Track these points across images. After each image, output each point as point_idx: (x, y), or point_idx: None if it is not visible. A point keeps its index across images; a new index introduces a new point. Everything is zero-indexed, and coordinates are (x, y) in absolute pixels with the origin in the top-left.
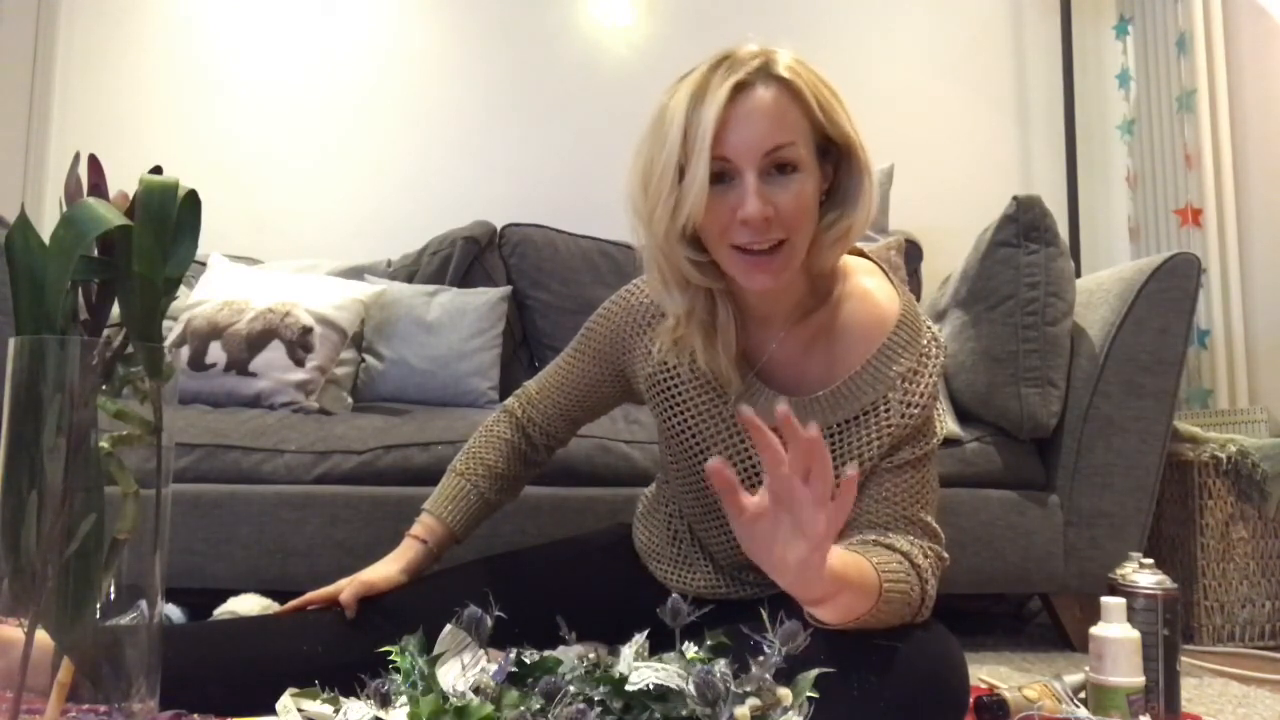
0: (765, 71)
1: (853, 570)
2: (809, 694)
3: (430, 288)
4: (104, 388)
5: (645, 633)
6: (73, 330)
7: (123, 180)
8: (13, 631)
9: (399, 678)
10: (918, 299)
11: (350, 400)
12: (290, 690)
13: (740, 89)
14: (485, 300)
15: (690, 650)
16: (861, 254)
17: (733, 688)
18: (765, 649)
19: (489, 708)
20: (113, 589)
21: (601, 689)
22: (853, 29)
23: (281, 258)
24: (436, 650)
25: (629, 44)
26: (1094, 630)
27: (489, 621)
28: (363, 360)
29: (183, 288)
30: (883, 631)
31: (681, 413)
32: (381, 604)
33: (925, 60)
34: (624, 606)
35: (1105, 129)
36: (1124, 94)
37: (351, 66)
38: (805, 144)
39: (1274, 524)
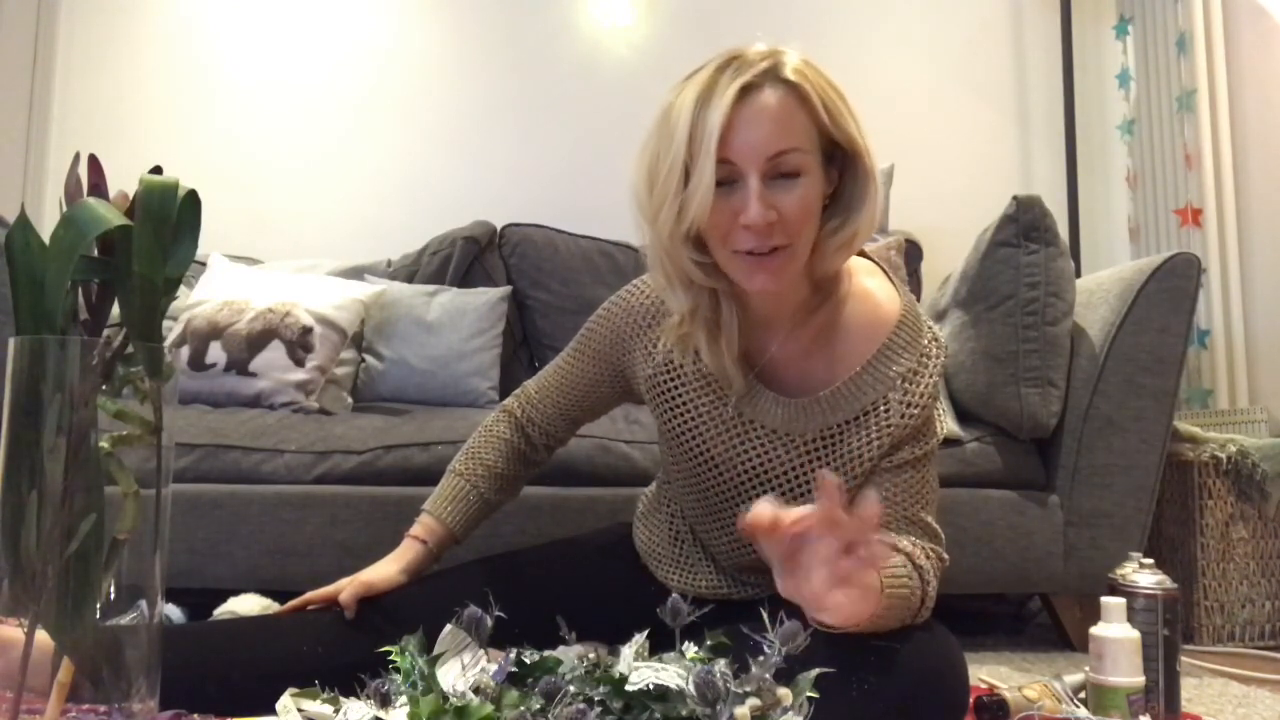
0: (773, 74)
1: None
2: (809, 694)
3: (430, 288)
4: (104, 388)
5: (645, 633)
6: (73, 330)
7: (123, 180)
8: (13, 631)
9: (399, 678)
10: (918, 299)
11: (350, 400)
12: (290, 690)
13: (747, 91)
14: (485, 300)
15: (690, 650)
16: (863, 254)
17: (733, 688)
18: (765, 649)
19: (489, 708)
20: (113, 589)
21: (601, 689)
22: (853, 29)
23: (281, 258)
24: (436, 650)
25: (629, 44)
26: (1094, 630)
27: (489, 621)
28: (363, 360)
29: (183, 288)
30: (882, 632)
31: (682, 414)
32: (381, 604)
33: (925, 60)
34: (624, 606)
35: (1105, 129)
36: (1124, 94)
37: (351, 67)
38: (810, 149)
39: (1274, 524)
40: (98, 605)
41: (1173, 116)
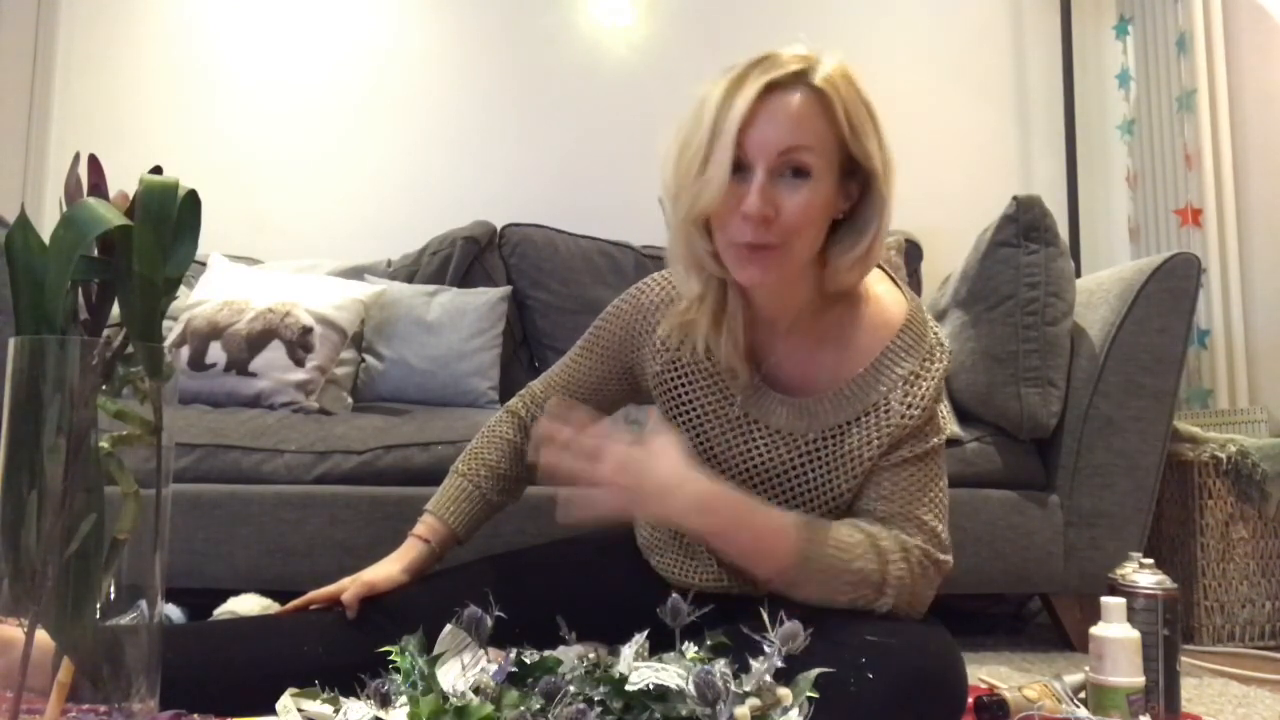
0: (802, 77)
1: (746, 501)
2: (809, 694)
3: (430, 288)
4: (104, 388)
5: (645, 633)
6: (73, 330)
7: (123, 180)
8: (13, 631)
9: (399, 678)
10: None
11: (350, 400)
12: (290, 690)
13: (772, 89)
14: (485, 300)
15: (690, 650)
16: None
17: (733, 688)
18: (765, 649)
19: (489, 708)
20: (113, 589)
21: (601, 689)
22: (853, 29)
23: (281, 258)
24: (436, 650)
25: (629, 44)
26: (1094, 630)
27: (489, 621)
28: (363, 360)
29: (183, 288)
30: (880, 628)
31: (688, 411)
32: (383, 604)
33: (925, 60)
34: (624, 606)
35: (1105, 129)
36: (1124, 94)
37: (352, 67)
38: (825, 154)
39: (1274, 524)
40: (98, 605)
41: (1173, 116)
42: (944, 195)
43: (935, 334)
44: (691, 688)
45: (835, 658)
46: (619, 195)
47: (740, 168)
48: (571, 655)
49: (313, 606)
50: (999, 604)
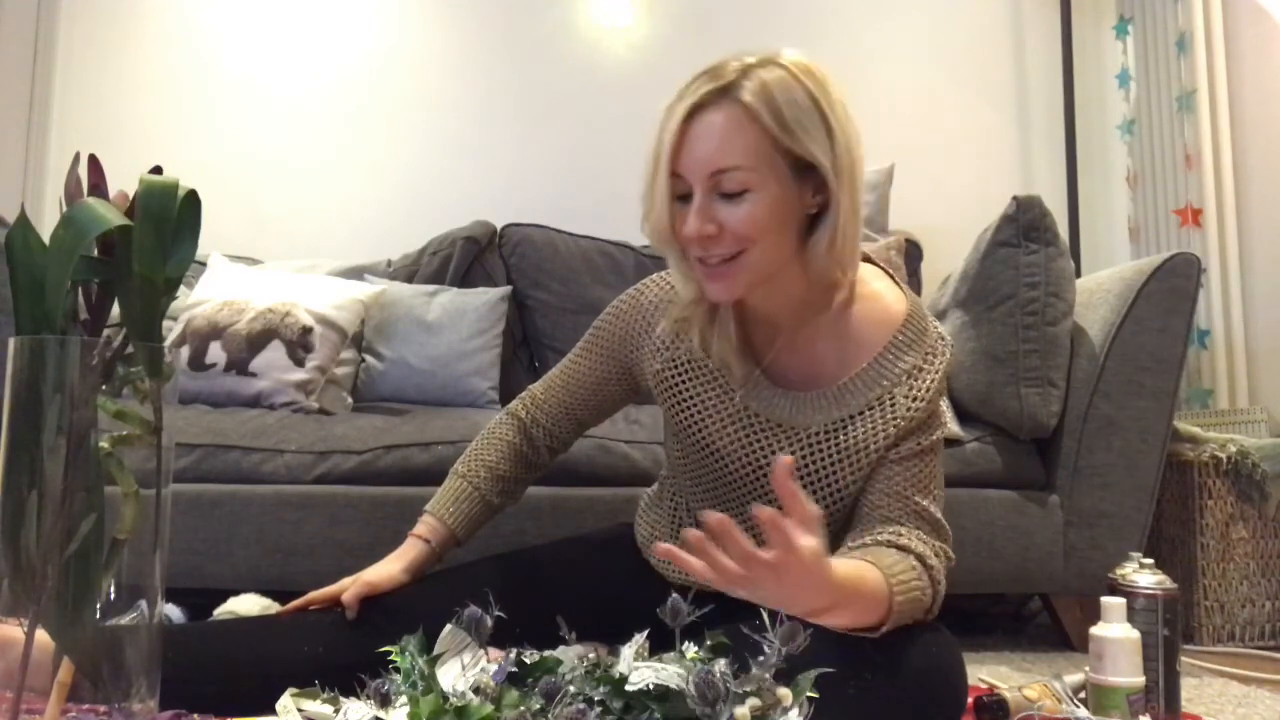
0: (725, 92)
1: (854, 581)
2: (809, 694)
3: (430, 288)
4: (104, 388)
5: (645, 633)
6: (73, 330)
7: (123, 180)
8: (13, 631)
9: (399, 678)
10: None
11: (350, 400)
12: (290, 690)
13: (697, 110)
14: (485, 300)
15: (690, 650)
16: (868, 259)
17: (733, 688)
18: (765, 649)
19: (489, 708)
20: (113, 589)
21: (601, 689)
22: (853, 29)
23: (281, 258)
24: (436, 650)
25: (629, 44)
26: (1094, 630)
27: (489, 621)
28: (363, 360)
29: (183, 288)
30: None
31: (689, 407)
32: (383, 604)
33: (925, 60)
34: (624, 606)
35: (1105, 129)
36: (1124, 94)
37: (352, 67)
38: (760, 165)
39: (1274, 524)
40: (98, 605)
41: (1173, 116)
42: (944, 195)
43: (936, 329)
44: (691, 688)
45: (836, 659)
46: (619, 195)
47: (684, 190)
48: (571, 655)
49: (313, 607)
50: (999, 604)
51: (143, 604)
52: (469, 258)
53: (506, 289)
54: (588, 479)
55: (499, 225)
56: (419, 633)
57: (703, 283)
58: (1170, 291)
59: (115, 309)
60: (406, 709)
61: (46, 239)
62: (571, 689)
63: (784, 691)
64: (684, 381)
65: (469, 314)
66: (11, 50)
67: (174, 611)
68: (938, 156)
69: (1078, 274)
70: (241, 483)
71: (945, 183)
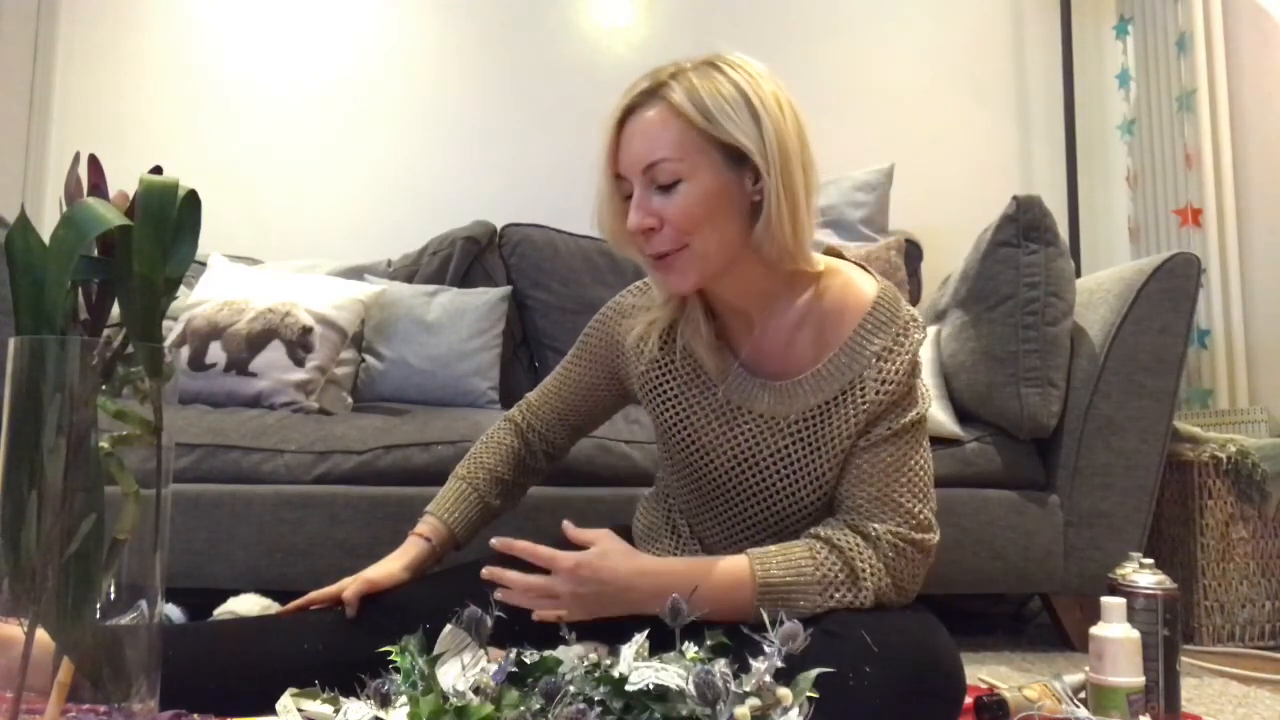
0: (653, 91)
1: (671, 566)
2: (809, 694)
3: (430, 288)
4: (104, 388)
5: (645, 633)
6: (73, 330)
7: (123, 180)
8: (13, 631)
9: (399, 677)
10: (918, 299)
11: (350, 400)
12: (290, 690)
13: (630, 111)
14: (485, 300)
15: (690, 650)
16: (839, 255)
17: (733, 688)
18: (765, 649)
19: (489, 708)
20: (113, 589)
21: (601, 689)
22: (853, 29)
23: (281, 258)
24: (436, 650)
25: (629, 44)
26: (1094, 630)
27: (489, 621)
28: (363, 360)
29: (183, 288)
30: (878, 627)
31: (673, 406)
32: (383, 602)
33: (925, 60)
34: None
35: (1105, 129)
36: (1124, 94)
37: (352, 66)
38: (690, 155)
39: (1274, 524)
40: (98, 605)
41: (1173, 116)
42: (944, 195)
43: (908, 311)
44: (691, 688)
45: (834, 657)
46: None
47: (627, 190)
48: (571, 655)
49: (313, 607)
50: (999, 604)
51: (143, 604)
52: (469, 258)
53: (506, 289)
54: (588, 479)
55: (499, 225)
56: (419, 633)
57: (658, 278)
58: (1170, 291)
59: (115, 309)
60: (406, 709)
61: (46, 239)
62: (571, 689)
63: (784, 691)
64: (667, 381)
65: (469, 314)
66: (11, 50)
67: (174, 611)
68: (937, 156)
69: (1078, 274)
70: (241, 483)
71: (945, 183)
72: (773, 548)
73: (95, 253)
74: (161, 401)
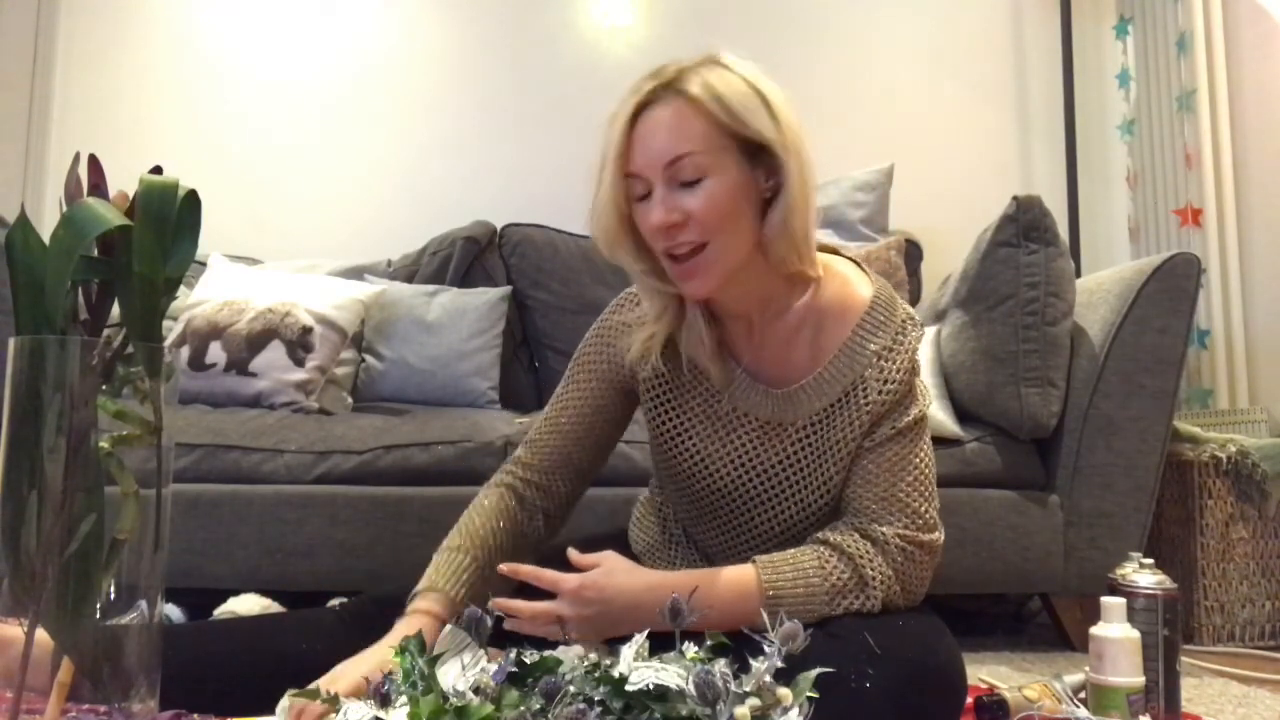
0: (668, 87)
1: (675, 578)
2: (809, 694)
3: (430, 288)
4: (104, 388)
5: (645, 632)
6: (73, 330)
7: (123, 180)
8: (13, 631)
9: (399, 678)
10: (918, 299)
11: (350, 400)
12: (290, 690)
13: (643, 108)
14: (485, 300)
15: (690, 650)
16: (835, 252)
17: (733, 688)
18: (765, 649)
19: (489, 708)
20: (113, 589)
21: (601, 689)
22: (853, 29)
23: (281, 258)
24: (436, 650)
25: (629, 44)
26: (1094, 630)
27: (489, 621)
28: (363, 360)
29: (183, 288)
30: (880, 627)
31: (677, 418)
32: (384, 602)
33: (925, 60)
34: None
35: (1105, 129)
36: (1124, 94)
37: (352, 67)
38: (713, 149)
39: (1274, 524)
40: (98, 605)
41: (1173, 116)
42: (944, 195)
43: (905, 309)
44: (691, 688)
45: (835, 657)
46: None
47: (643, 190)
48: (571, 655)
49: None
50: (999, 604)
51: (143, 604)
52: (469, 258)
53: (506, 289)
54: None
55: (499, 225)
56: (419, 633)
57: (680, 283)
58: (1170, 291)
59: (115, 309)
60: (406, 709)
61: (46, 239)
62: (571, 689)
63: (784, 691)
64: (670, 390)
65: (469, 314)
66: (11, 50)
67: (174, 611)
68: (937, 156)
69: (1078, 274)
70: (241, 483)
71: (945, 183)
72: (780, 555)
73: (95, 253)
74: (161, 401)
